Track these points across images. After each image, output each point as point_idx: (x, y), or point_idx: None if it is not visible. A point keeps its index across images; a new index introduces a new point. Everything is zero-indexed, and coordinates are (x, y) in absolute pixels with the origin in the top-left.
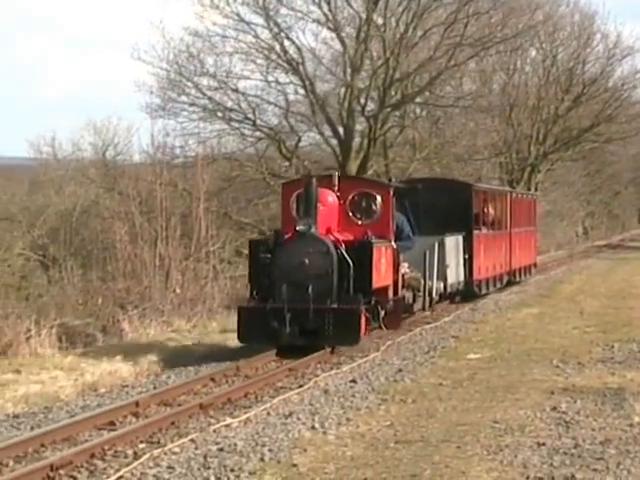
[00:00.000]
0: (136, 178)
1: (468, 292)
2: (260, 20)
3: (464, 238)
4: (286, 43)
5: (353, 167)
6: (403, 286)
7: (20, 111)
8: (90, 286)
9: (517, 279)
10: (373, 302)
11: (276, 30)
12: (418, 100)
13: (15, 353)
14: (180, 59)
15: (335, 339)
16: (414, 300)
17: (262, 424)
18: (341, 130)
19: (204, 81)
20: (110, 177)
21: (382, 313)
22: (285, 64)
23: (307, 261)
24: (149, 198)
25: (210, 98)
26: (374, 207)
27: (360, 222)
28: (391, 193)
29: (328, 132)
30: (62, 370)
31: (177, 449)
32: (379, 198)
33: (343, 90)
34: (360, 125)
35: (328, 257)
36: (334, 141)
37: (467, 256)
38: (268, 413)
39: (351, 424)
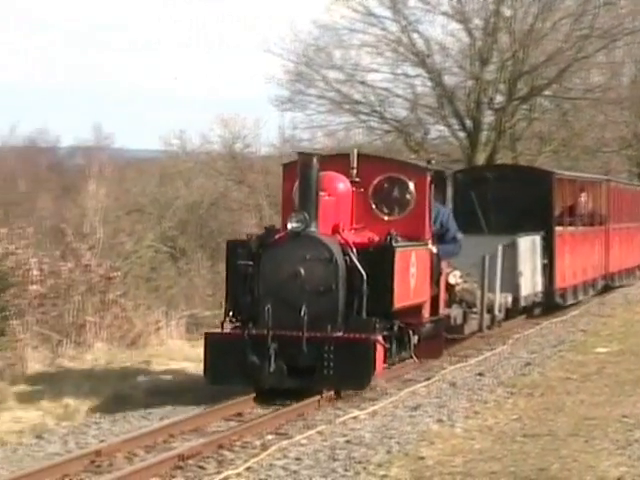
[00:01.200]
0: (265, 171)
1: (549, 303)
2: (388, 13)
3: (543, 238)
4: (414, 36)
5: (481, 160)
6: (453, 301)
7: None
8: (218, 277)
9: (616, 284)
10: (397, 326)
11: (404, 23)
12: (546, 93)
13: (145, 344)
14: (309, 52)
15: (337, 380)
16: (465, 319)
17: (389, 416)
18: (469, 123)
19: (332, 74)
20: (238, 170)
21: (414, 339)
22: (413, 57)
23: (302, 271)
24: (277, 190)
25: (338, 91)
26: (405, 197)
27: (386, 217)
28: (428, 179)
29: (456, 125)
30: (190, 361)
31: (305, 441)
32: (411, 185)
33: (471, 83)
34: (488, 118)
35: (331, 266)
36: (462, 134)
37: (547, 260)
38: (395, 406)
39: (478, 417)
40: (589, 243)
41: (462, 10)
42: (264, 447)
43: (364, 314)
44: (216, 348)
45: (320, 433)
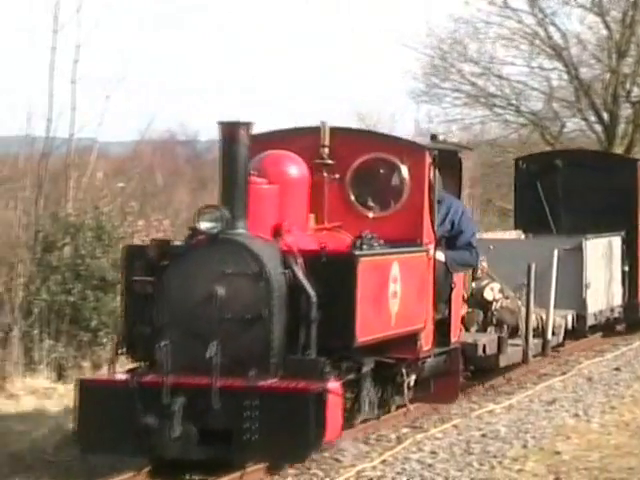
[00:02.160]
0: None
1: (633, 319)
2: (525, 6)
3: (624, 240)
4: (551, 29)
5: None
6: (489, 324)
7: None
8: None
9: None
10: (375, 365)
11: (541, 16)
12: None
13: None
14: (444, 45)
15: (264, 450)
16: (500, 348)
17: (525, 411)
18: (605, 116)
19: (467, 67)
20: None
21: (409, 380)
22: (549, 50)
23: (219, 292)
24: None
25: (473, 84)
26: (396, 185)
27: (371, 214)
28: (428, 160)
29: (592, 118)
30: None
31: (440, 434)
32: (404, 169)
33: (608, 75)
34: (625, 111)
35: (262, 284)
36: (598, 127)
37: (628, 267)
38: (531, 400)
39: (615, 412)
40: None
41: (599, 2)
42: (399, 440)
43: (312, 351)
44: (93, 402)
45: (455, 427)
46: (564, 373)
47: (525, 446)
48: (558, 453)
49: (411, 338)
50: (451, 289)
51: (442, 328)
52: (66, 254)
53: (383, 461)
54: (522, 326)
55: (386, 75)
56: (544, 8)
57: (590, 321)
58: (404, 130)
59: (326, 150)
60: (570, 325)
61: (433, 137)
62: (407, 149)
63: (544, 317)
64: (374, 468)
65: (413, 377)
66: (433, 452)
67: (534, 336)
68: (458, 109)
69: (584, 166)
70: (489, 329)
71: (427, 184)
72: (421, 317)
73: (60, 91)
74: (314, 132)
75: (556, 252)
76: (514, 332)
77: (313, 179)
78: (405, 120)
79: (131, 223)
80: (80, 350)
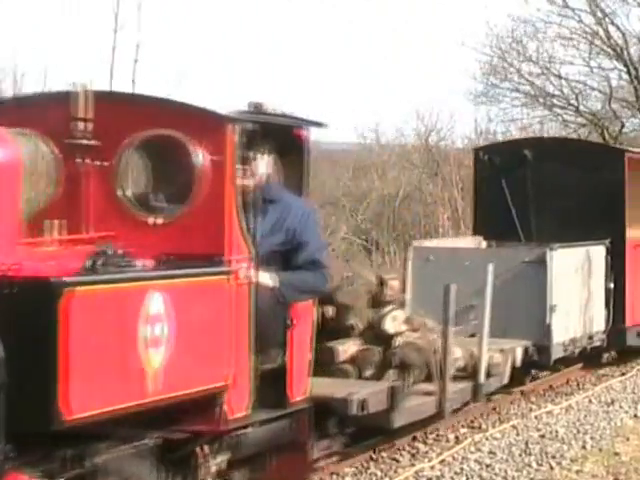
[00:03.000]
0: (459, 164)
1: (619, 347)
2: (584, 5)
3: (609, 250)
4: (610, 28)
5: None
6: (388, 366)
7: (351, 100)
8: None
9: None
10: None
11: (600, 15)
12: None
13: None
14: (503, 45)
15: None
16: (393, 402)
17: (584, 411)
18: None
19: (526, 67)
20: (433, 162)
21: (216, 464)
22: (609, 49)
23: None
24: (471, 184)
25: (532, 84)
26: (185, 176)
27: (152, 218)
28: (232, 139)
29: None
30: None
31: (498, 434)
32: (198, 153)
33: None
34: None
35: None
36: None
37: (613, 283)
38: (590, 400)
39: None
40: None
41: None
42: (458, 440)
43: None
44: None
45: (514, 427)
46: (623, 374)
47: (584, 447)
48: (617, 454)
49: (208, 402)
50: (287, 326)
51: (277, 383)
52: None
53: (442, 461)
54: (435, 367)
55: (444, 74)
56: (603, 7)
57: (557, 353)
58: (464, 129)
59: (82, 125)
60: (520, 361)
61: (257, 107)
62: (202, 122)
63: (472, 354)
64: (432, 468)
65: (223, 457)
66: (491, 452)
67: (463, 378)
68: (517, 109)
69: (560, 158)
70: (388, 373)
71: (231, 173)
72: (221, 371)
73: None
74: (64, 99)
75: (490, 267)
76: (429, 378)
77: (67, 167)
78: (465, 119)
79: None
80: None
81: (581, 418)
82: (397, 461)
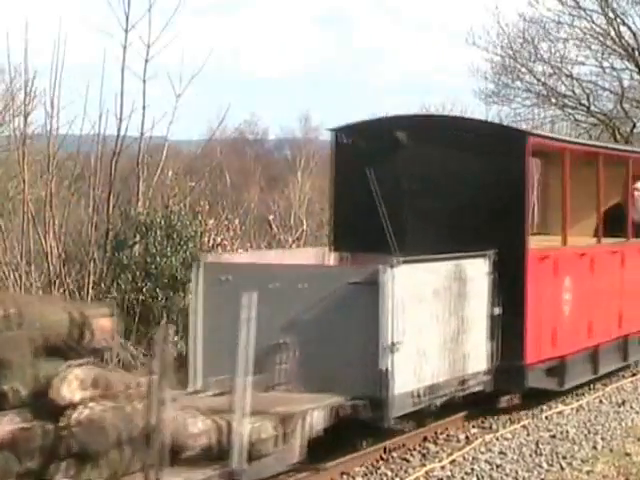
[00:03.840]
0: None
1: (515, 389)
2: (595, 6)
3: (495, 263)
4: (622, 29)
5: None
6: (62, 456)
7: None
8: None
9: (629, 359)
10: None
11: (611, 16)
12: None
13: None
14: (515, 45)
15: None
16: None
17: (595, 412)
18: None
19: (538, 67)
20: None
21: None
22: (620, 50)
23: None
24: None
25: (544, 84)
26: None
27: None
28: None
29: None
30: None
31: (509, 435)
32: None
33: None
34: None
35: None
36: None
37: (502, 308)
38: (600, 401)
39: None
40: (600, 273)
41: None
42: (468, 441)
43: None
44: None
45: (524, 427)
46: (634, 374)
47: (595, 447)
48: (628, 455)
49: None
50: None
51: None
52: (136, 253)
53: (452, 461)
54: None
55: (452, 71)
56: (615, 8)
57: (400, 408)
58: None
59: None
60: (316, 430)
61: None
62: None
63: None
64: (443, 468)
65: None
66: (502, 453)
67: (213, 462)
68: (528, 109)
69: (444, 142)
70: (58, 466)
71: None
72: None
73: (131, 89)
74: None
75: (245, 297)
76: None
77: None
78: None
79: (201, 222)
80: (150, 348)
81: (592, 418)
82: (407, 461)
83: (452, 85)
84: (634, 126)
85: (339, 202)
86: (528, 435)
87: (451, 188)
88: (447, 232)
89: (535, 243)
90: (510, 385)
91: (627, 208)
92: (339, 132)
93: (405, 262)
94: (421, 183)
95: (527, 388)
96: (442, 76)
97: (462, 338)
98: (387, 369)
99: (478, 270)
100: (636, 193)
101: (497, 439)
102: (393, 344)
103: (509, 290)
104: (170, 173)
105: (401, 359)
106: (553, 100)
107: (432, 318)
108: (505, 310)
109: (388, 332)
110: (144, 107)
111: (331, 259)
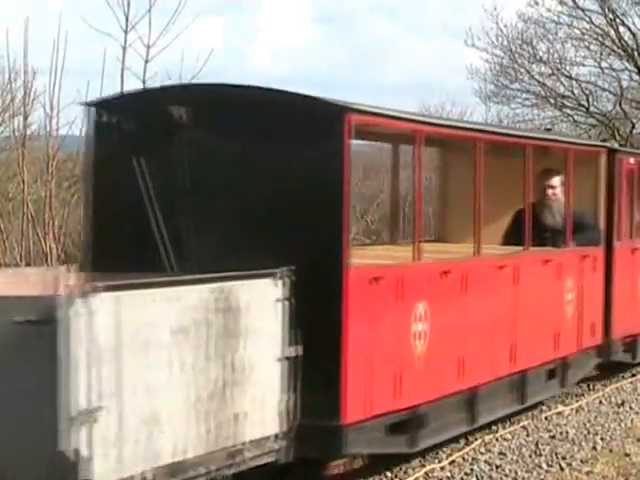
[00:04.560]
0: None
1: (328, 454)
2: (595, 6)
3: (295, 284)
4: (621, 29)
5: None
6: None
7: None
8: None
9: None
10: None
11: (611, 16)
12: None
13: None
14: (514, 45)
15: None
16: None
17: (594, 412)
18: None
19: (537, 68)
20: None
21: None
22: (619, 50)
23: None
24: None
25: (543, 85)
26: None
27: None
28: None
29: None
30: None
31: (509, 435)
32: None
33: None
34: None
35: None
36: None
37: (300, 347)
38: (600, 402)
39: None
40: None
41: None
42: (468, 442)
43: None
44: None
45: (524, 428)
46: (634, 375)
47: (594, 448)
48: (628, 455)
49: None
50: None
51: None
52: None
53: (452, 462)
54: None
55: (451, 72)
56: (614, 8)
57: None
58: None
59: None
60: None
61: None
62: None
63: None
64: (442, 469)
65: None
66: (502, 453)
67: None
68: (527, 110)
69: (237, 121)
70: None
71: None
72: None
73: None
74: None
75: None
76: None
77: None
78: (475, 118)
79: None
80: None
81: (591, 419)
82: (407, 462)
83: (452, 85)
84: (633, 127)
85: (99, 204)
86: (528, 436)
87: (244, 182)
88: (238, 242)
89: (429, 254)
90: (321, 452)
91: (529, 209)
92: (99, 108)
93: (112, 288)
94: (204, 176)
95: (349, 454)
96: (442, 76)
97: (232, 392)
98: (76, 450)
99: (262, 296)
100: (550, 191)
101: (497, 440)
102: (89, 412)
103: (316, 322)
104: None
105: (107, 432)
106: (552, 101)
107: (172, 368)
108: (310, 350)
109: (79, 394)
110: None
111: (69, 283)
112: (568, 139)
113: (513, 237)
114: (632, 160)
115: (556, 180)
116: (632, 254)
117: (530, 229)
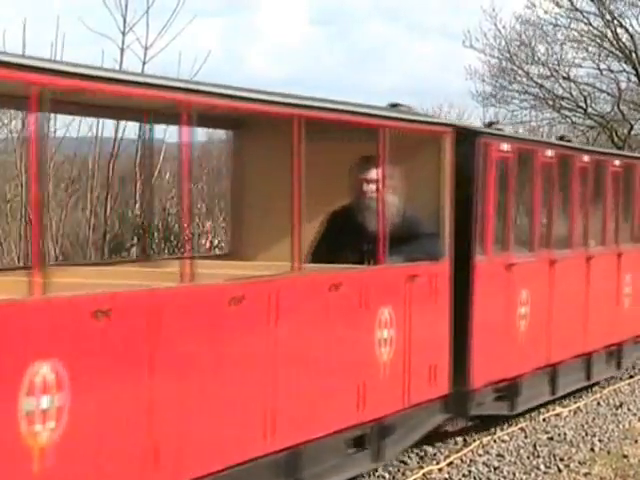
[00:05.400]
0: None
1: None
2: (592, 8)
3: None
4: (619, 31)
5: None
6: None
7: (354, 96)
8: None
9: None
10: None
11: (609, 18)
12: None
13: None
14: (512, 47)
15: None
16: None
17: (592, 414)
18: None
19: (535, 69)
20: None
21: None
22: (617, 52)
23: None
24: None
25: (541, 86)
26: None
27: None
28: None
29: None
30: None
31: (506, 437)
32: None
33: None
34: None
35: None
36: None
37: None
38: (598, 403)
39: None
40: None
41: None
42: (466, 443)
43: None
44: None
45: (522, 429)
46: (631, 377)
47: (592, 450)
48: (625, 457)
49: None
50: None
51: None
52: (134, 255)
53: (449, 463)
54: None
55: (452, 74)
56: (612, 10)
57: None
58: None
59: None
60: None
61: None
62: None
63: None
64: (440, 470)
65: None
66: (500, 455)
67: None
68: (525, 111)
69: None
70: None
71: None
72: None
73: None
74: None
75: None
76: None
77: None
78: (472, 120)
79: (199, 225)
80: None
81: (589, 421)
82: (405, 463)
83: (450, 87)
84: (631, 128)
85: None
86: (526, 437)
87: None
88: None
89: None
90: None
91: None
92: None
93: None
94: None
95: None
96: (440, 78)
97: None
98: None
99: None
100: (367, 187)
101: (495, 441)
102: None
103: None
104: (167, 175)
105: None
106: (550, 102)
107: None
108: None
109: None
110: None
111: None
112: (383, 113)
113: (323, 251)
114: (505, 147)
115: (376, 172)
116: (507, 271)
117: (336, 239)
